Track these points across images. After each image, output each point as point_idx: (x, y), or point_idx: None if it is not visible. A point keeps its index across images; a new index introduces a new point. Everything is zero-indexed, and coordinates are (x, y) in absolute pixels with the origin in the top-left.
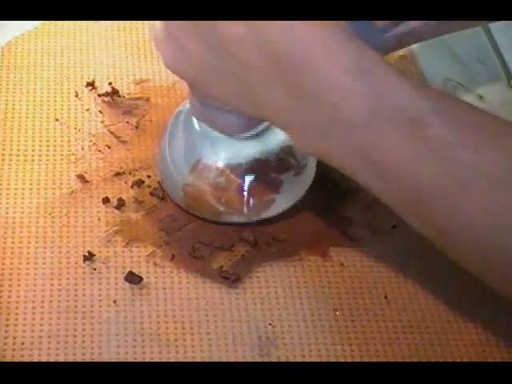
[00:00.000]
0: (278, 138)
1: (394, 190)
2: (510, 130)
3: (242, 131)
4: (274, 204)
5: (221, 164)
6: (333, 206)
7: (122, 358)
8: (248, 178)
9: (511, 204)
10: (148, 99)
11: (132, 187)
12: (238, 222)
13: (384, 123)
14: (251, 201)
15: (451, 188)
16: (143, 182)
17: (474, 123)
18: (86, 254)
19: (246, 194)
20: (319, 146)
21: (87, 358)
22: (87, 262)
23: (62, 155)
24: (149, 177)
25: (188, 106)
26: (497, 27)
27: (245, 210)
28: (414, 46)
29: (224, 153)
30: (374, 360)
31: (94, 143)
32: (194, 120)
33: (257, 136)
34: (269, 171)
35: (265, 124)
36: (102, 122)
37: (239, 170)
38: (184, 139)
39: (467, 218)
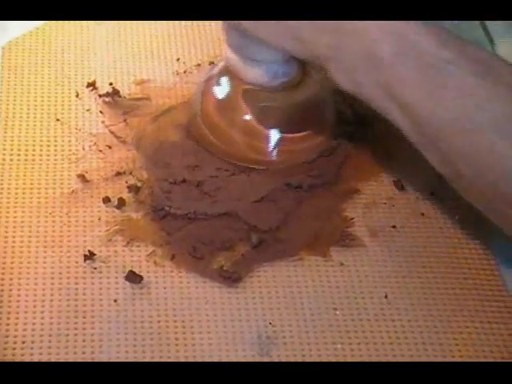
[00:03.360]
0: (305, 93)
1: (415, 126)
2: None
3: (267, 81)
4: (298, 153)
5: (252, 116)
6: (333, 207)
7: (122, 357)
8: (275, 128)
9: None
10: (148, 99)
11: (129, 192)
12: (262, 168)
13: (409, 63)
14: (278, 149)
15: (462, 132)
16: (139, 188)
17: (491, 75)
18: (87, 253)
19: (272, 142)
20: (354, 79)
21: (87, 357)
22: (88, 262)
23: (62, 155)
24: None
25: (214, 71)
26: (497, 33)
27: (270, 157)
28: None
29: (255, 103)
30: (373, 359)
31: (95, 143)
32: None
33: (286, 90)
34: (296, 122)
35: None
36: (102, 122)
37: (268, 119)
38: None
39: (472, 159)
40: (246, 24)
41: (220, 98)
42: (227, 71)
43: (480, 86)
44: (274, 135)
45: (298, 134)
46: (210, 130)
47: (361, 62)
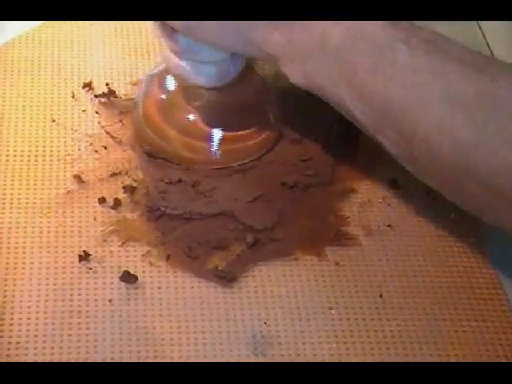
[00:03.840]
0: (247, 91)
1: (367, 108)
2: (474, 57)
3: (218, 81)
4: (241, 152)
5: (192, 114)
6: (329, 206)
7: (116, 358)
8: (216, 127)
9: (460, 123)
10: None
11: (125, 193)
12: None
13: (358, 46)
14: (219, 149)
15: (413, 109)
16: (134, 188)
17: (443, 52)
18: (82, 253)
19: (214, 142)
20: (305, 73)
21: (82, 358)
22: (83, 262)
23: (58, 156)
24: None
25: (157, 70)
26: (491, 35)
27: (212, 157)
28: None
29: (195, 101)
30: (368, 359)
31: (91, 144)
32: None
33: (227, 88)
34: (237, 121)
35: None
36: (98, 122)
37: (208, 118)
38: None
39: (423, 137)
40: (196, 31)
41: (162, 97)
42: (169, 71)
43: (431, 61)
44: (216, 134)
45: (240, 133)
46: (151, 129)
47: (311, 54)
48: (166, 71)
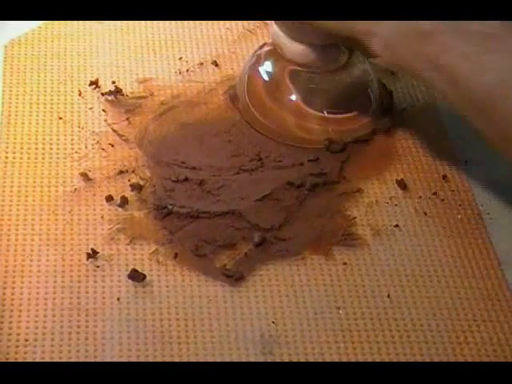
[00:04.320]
0: (352, 75)
1: (460, 93)
2: None
3: (324, 64)
4: (344, 134)
5: (299, 96)
6: (336, 206)
7: (124, 356)
8: (321, 109)
9: None
10: (151, 98)
11: (132, 191)
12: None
13: (450, 31)
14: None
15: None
16: (142, 186)
17: None
18: (90, 251)
19: (319, 122)
20: (395, 53)
21: (90, 356)
22: (90, 260)
23: (65, 153)
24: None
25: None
26: None
27: (318, 136)
28: None
29: (302, 85)
30: (376, 359)
31: (98, 141)
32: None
33: (332, 72)
34: (341, 104)
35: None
36: (105, 120)
37: (313, 100)
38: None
39: None
40: None
41: (267, 78)
42: (274, 53)
43: None
44: (321, 115)
45: (344, 115)
46: (257, 109)
47: (402, 34)
48: (270, 53)
